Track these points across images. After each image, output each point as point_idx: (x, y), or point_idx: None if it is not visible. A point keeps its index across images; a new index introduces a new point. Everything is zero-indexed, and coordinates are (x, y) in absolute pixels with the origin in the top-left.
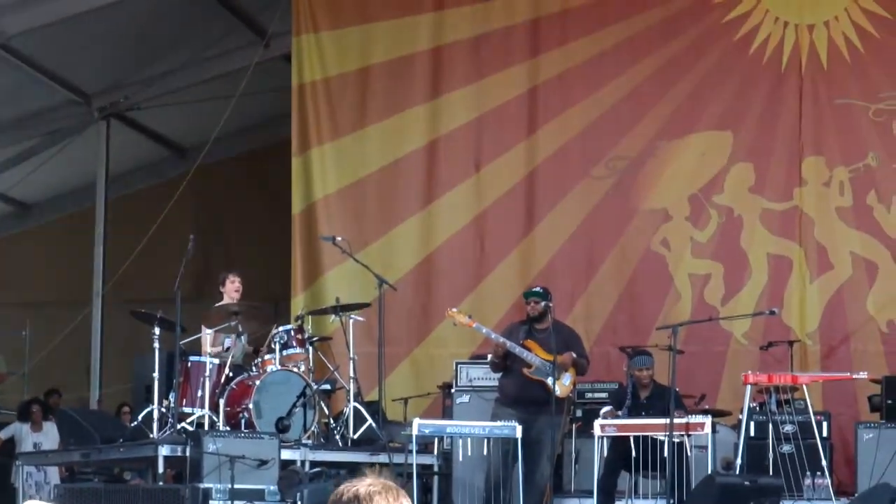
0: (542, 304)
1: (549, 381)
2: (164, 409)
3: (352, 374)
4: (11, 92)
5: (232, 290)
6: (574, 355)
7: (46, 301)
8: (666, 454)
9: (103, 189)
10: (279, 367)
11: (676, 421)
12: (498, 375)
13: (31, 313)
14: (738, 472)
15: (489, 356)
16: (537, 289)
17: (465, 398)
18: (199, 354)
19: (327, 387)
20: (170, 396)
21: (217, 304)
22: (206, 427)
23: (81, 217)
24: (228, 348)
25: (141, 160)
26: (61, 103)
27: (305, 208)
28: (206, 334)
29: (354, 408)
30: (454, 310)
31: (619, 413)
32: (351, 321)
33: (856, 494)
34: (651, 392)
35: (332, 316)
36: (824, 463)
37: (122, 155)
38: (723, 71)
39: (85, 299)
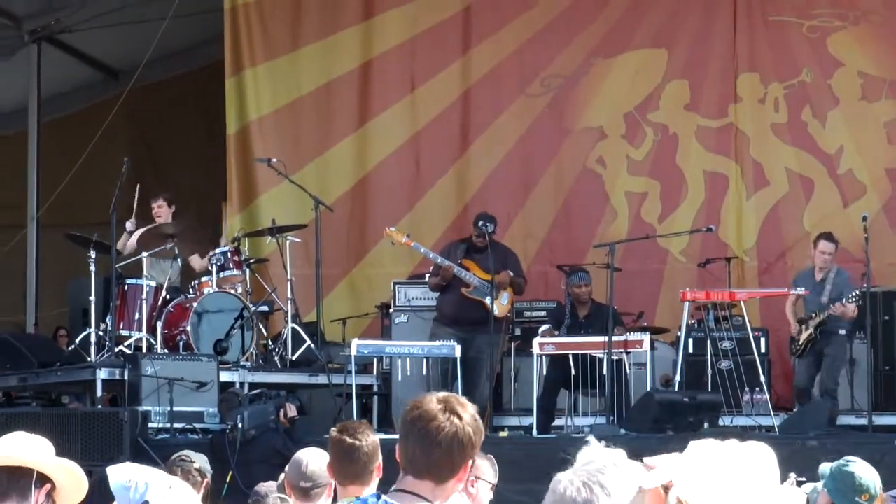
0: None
1: (488, 300)
2: (101, 333)
3: (289, 296)
4: None
5: (158, 211)
6: (511, 274)
7: None
8: (605, 372)
9: (35, 113)
10: (216, 290)
11: (615, 338)
12: (436, 295)
13: None
14: (676, 388)
15: (427, 276)
16: (488, 226)
17: (404, 318)
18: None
19: (265, 308)
20: (107, 320)
21: (151, 226)
22: (144, 350)
23: (15, 140)
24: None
25: (73, 83)
26: None
27: (240, 129)
28: (142, 257)
29: (293, 329)
30: (392, 229)
31: (556, 332)
32: (288, 242)
33: (794, 409)
34: (589, 310)
35: (269, 237)
36: (763, 379)
37: (55, 78)
38: None
39: (20, 223)
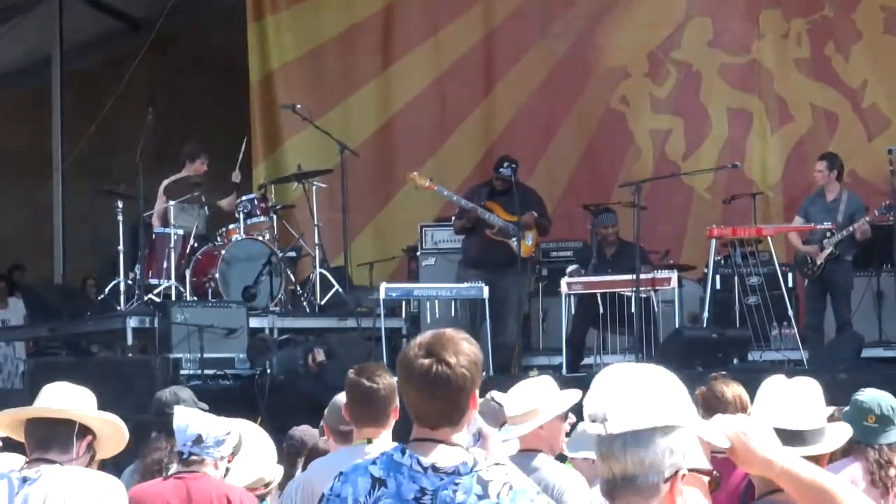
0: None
1: (513, 241)
2: (130, 282)
3: (317, 241)
4: None
5: (199, 168)
6: (535, 215)
7: (6, 177)
8: (633, 310)
9: (59, 65)
10: (244, 236)
11: (642, 276)
12: (462, 237)
13: None
14: (705, 325)
15: (453, 218)
16: (511, 168)
17: (431, 261)
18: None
19: (293, 254)
20: (135, 269)
21: (178, 177)
22: (174, 298)
23: (38, 93)
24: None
25: (96, 34)
26: None
27: (263, 77)
28: (169, 205)
29: (321, 274)
30: (415, 173)
31: (584, 271)
32: (314, 188)
33: (824, 343)
34: (616, 249)
35: (295, 183)
36: (791, 313)
37: (77, 30)
38: None
39: (46, 174)
